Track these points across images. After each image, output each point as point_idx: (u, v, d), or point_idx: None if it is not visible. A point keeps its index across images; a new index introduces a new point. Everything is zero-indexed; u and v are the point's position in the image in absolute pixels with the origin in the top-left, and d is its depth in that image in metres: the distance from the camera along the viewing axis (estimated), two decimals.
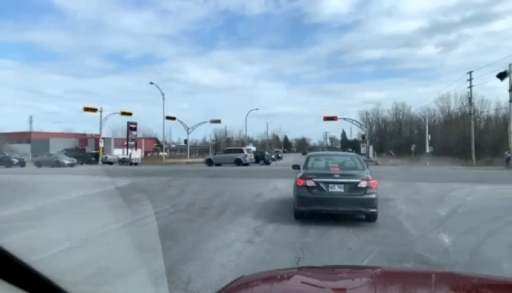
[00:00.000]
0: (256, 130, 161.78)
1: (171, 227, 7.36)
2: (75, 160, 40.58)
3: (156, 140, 78.28)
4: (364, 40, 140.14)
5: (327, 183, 7.56)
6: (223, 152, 39.37)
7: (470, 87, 38.85)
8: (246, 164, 34.56)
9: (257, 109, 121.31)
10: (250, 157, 35.92)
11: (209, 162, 36.53)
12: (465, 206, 9.79)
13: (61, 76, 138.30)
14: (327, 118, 50.27)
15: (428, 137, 43.91)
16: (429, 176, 20.77)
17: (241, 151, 37.39)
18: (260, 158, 40.08)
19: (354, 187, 7.50)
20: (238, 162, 34.49)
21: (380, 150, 66.11)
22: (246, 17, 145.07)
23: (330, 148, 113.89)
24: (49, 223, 8.06)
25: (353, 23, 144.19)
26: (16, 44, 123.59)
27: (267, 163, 40.03)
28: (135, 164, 42.33)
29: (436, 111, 63.26)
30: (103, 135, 50.11)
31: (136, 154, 47.01)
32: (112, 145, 60.74)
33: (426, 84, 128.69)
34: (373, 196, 7.50)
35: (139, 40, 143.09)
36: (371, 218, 7.69)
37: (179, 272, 4.58)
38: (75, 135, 73.50)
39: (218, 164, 35.01)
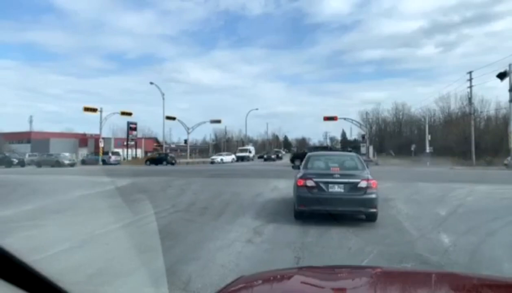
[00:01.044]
0: (256, 130, 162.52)
1: (171, 227, 7.36)
2: (75, 160, 40.73)
3: (156, 140, 78.27)
4: (364, 40, 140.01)
5: (327, 183, 7.56)
6: (94, 155, 46.83)
7: (470, 87, 38.89)
8: (115, 164, 41.87)
9: (257, 109, 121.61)
10: (114, 158, 45.05)
11: (83, 162, 44.54)
12: (465, 206, 9.79)
13: (61, 76, 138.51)
14: (327, 118, 50.36)
15: (428, 137, 43.90)
16: (429, 176, 20.78)
17: (107, 153, 46.53)
18: (163, 159, 44.12)
19: (354, 187, 7.50)
20: (104, 162, 42.78)
21: (380, 150, 66.05)
22: (246, 18, 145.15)
23: (330, 148, 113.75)
24: (49, 223, 8.06)
25: (353, 23, 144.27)
26: (16, 44, 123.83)
27: (171, 163, 42.88)
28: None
29: (436, 111, 63.29)
30: (103, 135, 50.10)
31: (66, 155, 48.25)
32: (112, 145, 60.66)
33: (426, 84, 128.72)
34: (373, 196, 7.49)
35: (140, 40, 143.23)
36: (371, 218, 7.68)
37: (179, 272, 4.58)
38: (75, 135, 73.44)
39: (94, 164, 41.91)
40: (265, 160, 53.83)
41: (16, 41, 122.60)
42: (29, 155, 46.13)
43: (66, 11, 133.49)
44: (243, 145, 69.96)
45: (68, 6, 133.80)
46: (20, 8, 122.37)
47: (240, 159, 53.98)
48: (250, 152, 59.64)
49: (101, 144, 47.48)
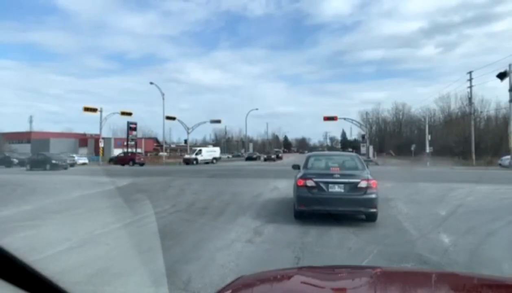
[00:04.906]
0: (256, 130, 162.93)
1: (171, 227, 7.35)
2: (74, 160, 40.60)
3: (156, 140, 78.32)
4: (365, 41, 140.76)
5: (327, 183, 7.55)
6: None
7: (470, 87, 38.90)
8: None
9: (257, 109, 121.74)
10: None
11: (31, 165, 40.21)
12: (465, 206, 9.79)
13: (62, 76, 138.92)
14: (327, 118, 50.31)
15: (428, 137, 43.86)
16: (429, 176, 20.77)
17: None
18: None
19: (354, 187, 7.49)
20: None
21: (380, 150, 66.10)
22: (247, 18, 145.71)
23: (330, 148, 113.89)
24: (49, 223, 8.05)
25: (353, 24, 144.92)
26: (17, 45, 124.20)
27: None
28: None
29: (436, 111, 63.41)
30: (103, 135, 50.09)
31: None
32: (112, 145, 60.76)
33: (426, 84, 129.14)
34: (373, 196, 7.48)
35: (141, 40, 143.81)
36: (371, 218, 7.68)
37: (179, 272, 4.58)
38: (75, 135, 73.49)
39: None
40: (265, 160, 54.12)
41: (16, 41, 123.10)
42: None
43: (68, 12, 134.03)
44: (243, 145, 69.69)
45: (70, 7, 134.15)
46: (21, 9, 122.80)
47: (186, 162, 44.32)
48: (199, 154, 45.93)
49: (101, 144, 47.46)
